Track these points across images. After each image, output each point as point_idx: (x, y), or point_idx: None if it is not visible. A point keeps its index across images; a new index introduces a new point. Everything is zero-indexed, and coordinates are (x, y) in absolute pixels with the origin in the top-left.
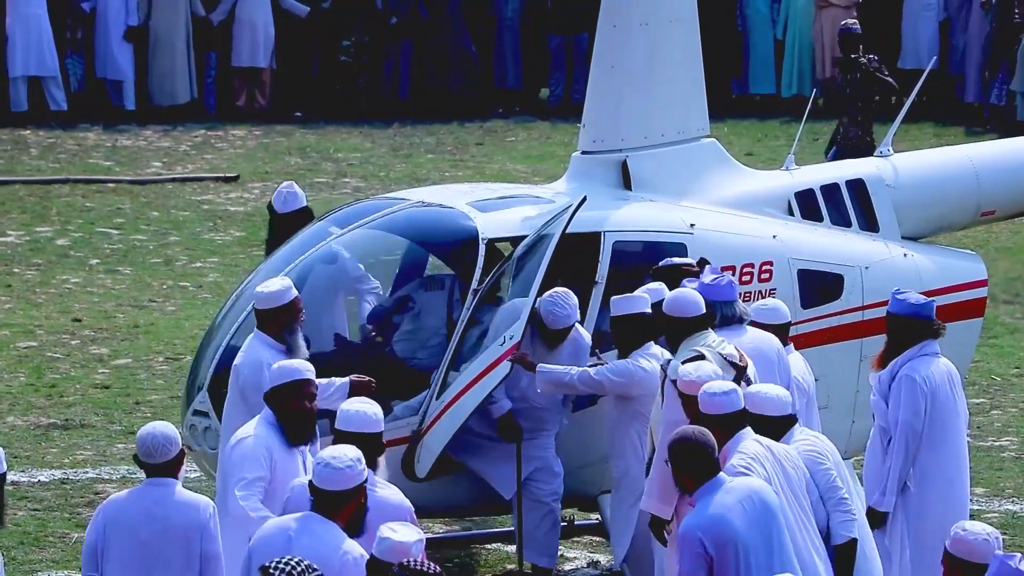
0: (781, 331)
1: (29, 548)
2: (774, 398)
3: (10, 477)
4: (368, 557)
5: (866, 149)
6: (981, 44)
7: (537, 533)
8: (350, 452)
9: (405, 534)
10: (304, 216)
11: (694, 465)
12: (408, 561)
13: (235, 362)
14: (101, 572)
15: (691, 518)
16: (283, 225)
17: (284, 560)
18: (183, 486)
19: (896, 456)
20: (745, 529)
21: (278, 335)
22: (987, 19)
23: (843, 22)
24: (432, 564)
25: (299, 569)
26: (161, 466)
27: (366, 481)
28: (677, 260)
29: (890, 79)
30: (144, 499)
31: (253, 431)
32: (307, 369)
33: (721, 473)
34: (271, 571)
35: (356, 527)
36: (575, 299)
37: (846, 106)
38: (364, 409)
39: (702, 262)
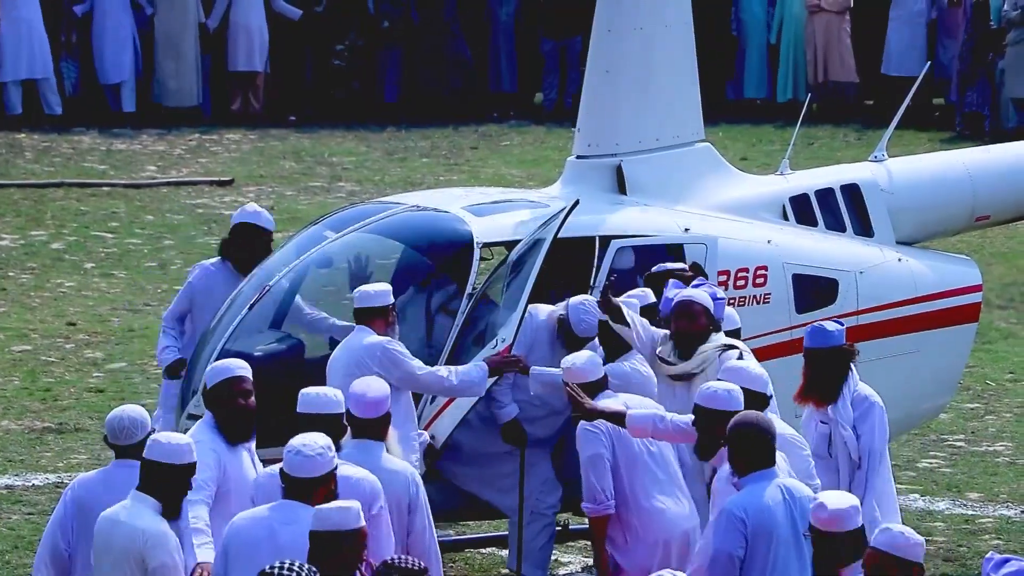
0: (733, 336)
1: (23, 552)
2: (758, 375)
3: (4, 481)
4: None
5: None
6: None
7: (534, 545)
8: (320, 439)
9: (338, 503)
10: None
11: (751, 450)
12: (393, 559)
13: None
14: (68, 544)
15: (739, 498)
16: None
17: (286, 565)
18: None
19: (874, 483)
20: (785, 527)
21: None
22: (963, 26)
23: None
24: (417, 561)
25: (304, 573)
26: (127, 448)
27: (336, 468)
28: (670, 265)
29: None
30: (108, 480)
31: (195, 436)
32: (240, 367)
33: (775, 467)
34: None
35: None
36: None
37: None
38: (325, 391)
39: (695, 267)
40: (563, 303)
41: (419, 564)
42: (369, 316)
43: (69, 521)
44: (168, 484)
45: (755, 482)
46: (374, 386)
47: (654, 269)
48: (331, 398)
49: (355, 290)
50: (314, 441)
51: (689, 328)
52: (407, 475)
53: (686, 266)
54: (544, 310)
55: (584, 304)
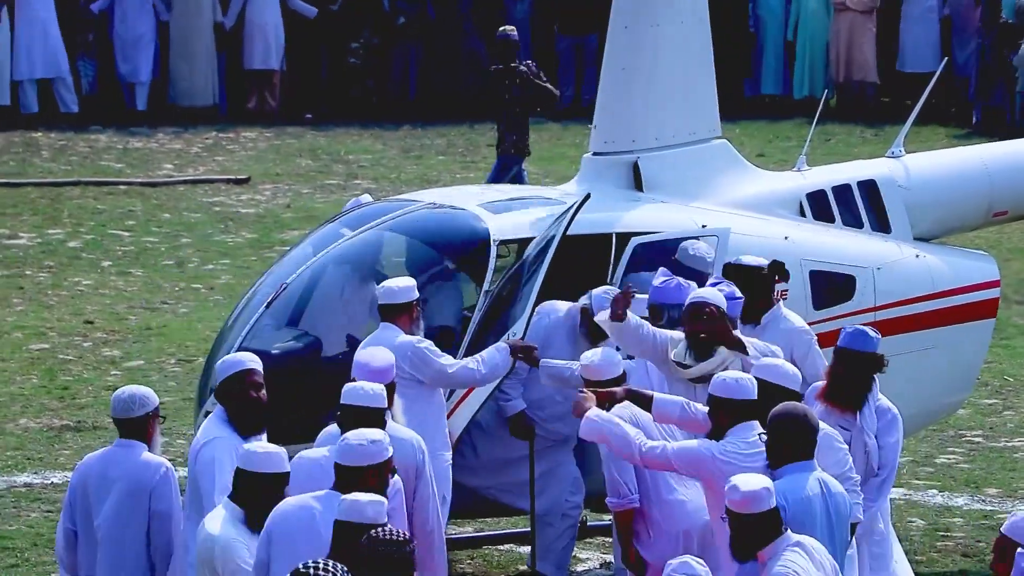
0: None
1: (43, 550)
2: (791, 373)
3: (23, 479)
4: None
5: (520, 156)
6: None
7: (557, 545)
8: (374, 432)
9: (367, 497)
10: None
11: (794, 441)
12: (376, 531)
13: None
14: (72, 521)
15: (780, 486)
16: None
17: (320, 566)
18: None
19: (885, 493)
20: (822, 521)
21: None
22: (979, 21)
23: (500, 28)
24: (400, 531)
25: (338, 574)
26: (129, 425)
27: (390, 460)
28: (746, 260)
29: (549, 86)
30: (108, 458)
31: (215, 433)
32: (250, 359)
33: (815, 460)
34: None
35: None
36: None
37: (503, 114)
38: (371, 386)
39: (775, 265)
40: (586, 295)
41: (403, 534)
42: (394, 313)
43: (73, 499)
44: (256, 494)
45: (794, 472)
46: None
47: (732, 260)
48: (375, 393)
49: (379, 286)
50: (367, 433)
51: (704, 330)
52: (413, 443)
53: (764, 263)
54: (561, 307)
55: (608, 292)
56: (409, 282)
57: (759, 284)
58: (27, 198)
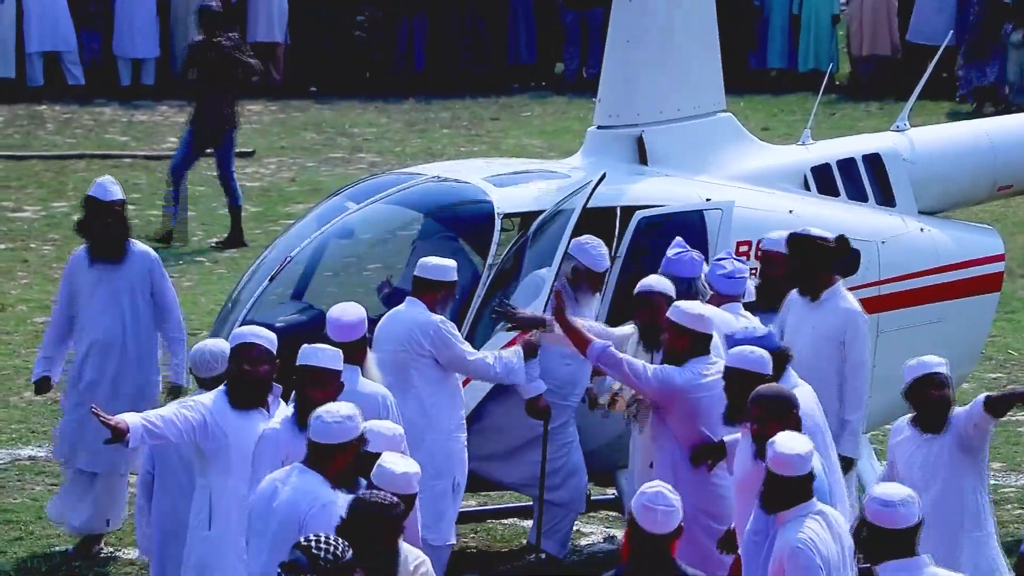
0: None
1: (46, 523)
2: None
3: (27, 452)
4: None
5: (230, 129)
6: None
7: (561, 525)
8: (343, 408)
9: (404, 465)
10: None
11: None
12: (366, 493)
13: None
14: (152, 466)
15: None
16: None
17: (321, 539)
18: None
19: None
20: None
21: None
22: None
23: (203, 3)
24: (390, 496)
25: (340, 548)
26: (207, 381)
27: (360, 438)
28: (814, 232)
29: (252, 60)
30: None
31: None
32: (251, 334)
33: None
34: (313, 550)
35: (348, 481)
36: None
37: (203, 87)
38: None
39: (842, 240)
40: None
41: (389, 496)
42: (426, 289)
43: (151, 449)
44: (329, 462)
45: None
46: (350, 311)
47: (798, 231)
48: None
49: (420, 259)
50: (337, 409)
51: (653, 320)
52: (379, 397)
53: (830, 236)
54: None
55: (589, 241)
56: (450, 263)
57: (821, 257)
58: (32, 171)
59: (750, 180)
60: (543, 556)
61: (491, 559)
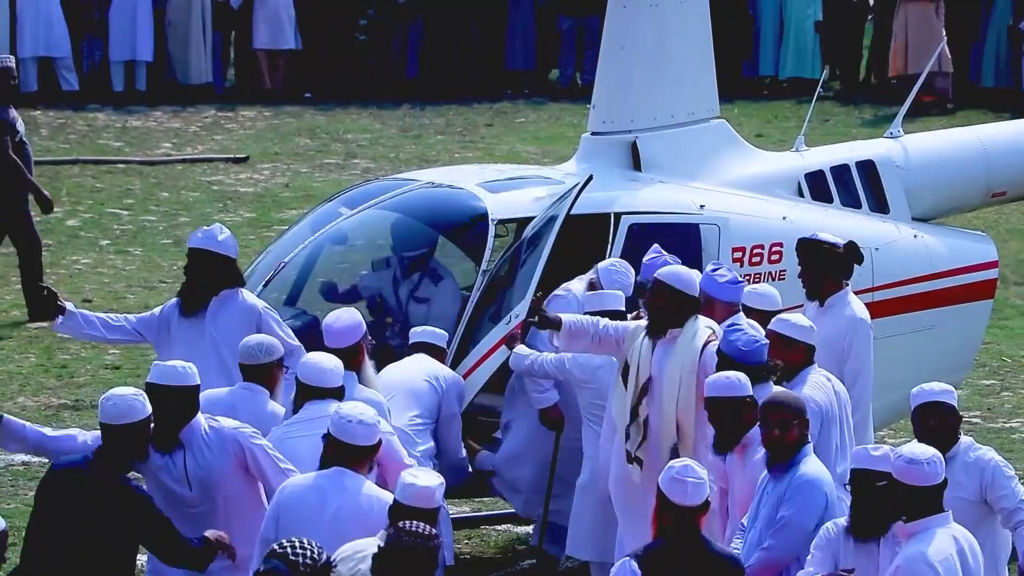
0: (770, 318)
1: None
2: (771, 294)
3: (20, 457)
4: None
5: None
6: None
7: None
8: (371, 410)
9: (427, 479)
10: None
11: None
12: (405, 524)
13: None
14: None
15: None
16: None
17: (297, 544)
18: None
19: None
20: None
21: None
22: None
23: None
24: (429, 527)
25: (315, 552)
26: (252, 369)
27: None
28: (823, 236)
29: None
30: (231, 400)
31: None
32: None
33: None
34: (290, 557)
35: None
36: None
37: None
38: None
39: (851, 246)
40: (592, 269)
41: (429, 529)
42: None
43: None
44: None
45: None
46: (344, 317)
47: (808, 236)
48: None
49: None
50: (367, 411)
51: (666, 306)
52: (374, 403)
53: (840, 241)
54: (579, 288)
55: (615, 264)
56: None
57: (829, 263)
58: None
59: (744, 186)
60: (535, 563)
61: (485, 565)
